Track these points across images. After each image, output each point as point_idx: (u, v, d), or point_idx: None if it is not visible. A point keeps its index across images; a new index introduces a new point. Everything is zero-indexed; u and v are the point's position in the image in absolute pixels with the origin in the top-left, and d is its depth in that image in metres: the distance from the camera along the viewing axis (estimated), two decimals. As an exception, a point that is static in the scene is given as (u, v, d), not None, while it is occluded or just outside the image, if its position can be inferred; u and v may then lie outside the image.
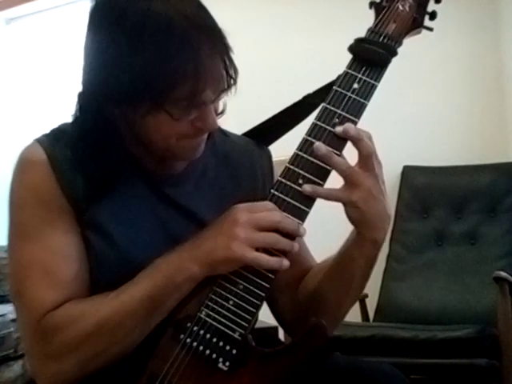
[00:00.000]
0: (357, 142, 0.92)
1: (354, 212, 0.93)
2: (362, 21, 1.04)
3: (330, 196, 0.93)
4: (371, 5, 1.03)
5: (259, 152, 1.14)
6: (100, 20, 0.93)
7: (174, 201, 1.02)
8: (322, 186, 0.94)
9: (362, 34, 1.01)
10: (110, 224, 0.97)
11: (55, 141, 0.99)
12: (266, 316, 1.14)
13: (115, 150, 0.97)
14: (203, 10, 0.93)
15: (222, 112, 0.99)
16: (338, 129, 0.94)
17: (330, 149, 0.94)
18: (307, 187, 0.93)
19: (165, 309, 0.93)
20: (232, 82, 0.93)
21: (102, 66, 0.91)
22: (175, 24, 0.86)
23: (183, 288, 0.92)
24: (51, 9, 3.76)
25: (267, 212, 0.92)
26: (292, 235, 0.93)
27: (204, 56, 0.88)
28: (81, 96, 0.97)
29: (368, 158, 0.92)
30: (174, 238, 0.98)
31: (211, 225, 0.95)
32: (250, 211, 0.93)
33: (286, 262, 0.92)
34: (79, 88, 0.97)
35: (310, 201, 0.94)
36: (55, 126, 1.03)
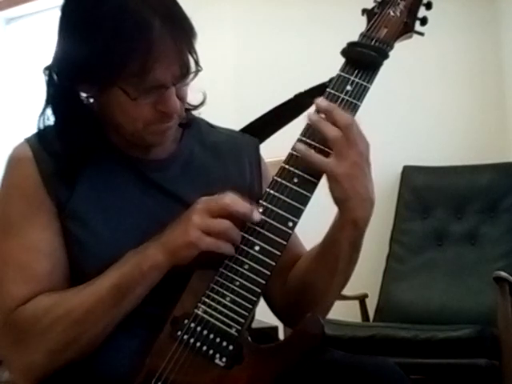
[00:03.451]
0: (330, 114, 0.94)
1: (336, 187, 0.94)
2: (356, 24, 1.06)
3: (317, 161, 0.94)
4: (363, 12, 1.06)
5: (246, 140, 1.16)
6: (65, 2, 0.98)
7: (160, 186, 1.03)
8: (316, 184, 0.96)
9: (356, 37, 1.03)
10: (92, 213, 0.99)
11: (42, 138, 1.02)
12: (266, 316, 1.14)
13: (85, 130, 1.00)
14: None
15: (202, 103, 1.02)
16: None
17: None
18: (300, 145, 0.95)
19: (133, 297, 0.94)
20: (194, 68, 0.96)
21: (63, 44, 0.97)
22: (129, 5, 0.91)
23: (149, 276, 0.94)
24: (51, 9, 3.76)
25: (220, 198, 0.95)
26: (244, 218, 0.94)
27: (155, 36, 0.90)
28: (46, 71, 1.01)
29: (347, 128, 0.93)
30: (162, 223, 0.98)
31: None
32: (209, 200, 0.95)
33: (230, 249, 0.93)
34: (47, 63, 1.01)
35: (305, 199, 0.95)
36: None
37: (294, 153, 0.96)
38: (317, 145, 0.96)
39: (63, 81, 0.98)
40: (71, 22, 0.97)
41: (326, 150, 0.95)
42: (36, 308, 0.95)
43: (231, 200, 0.94)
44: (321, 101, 0.96)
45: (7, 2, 3.82)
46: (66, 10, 0.98)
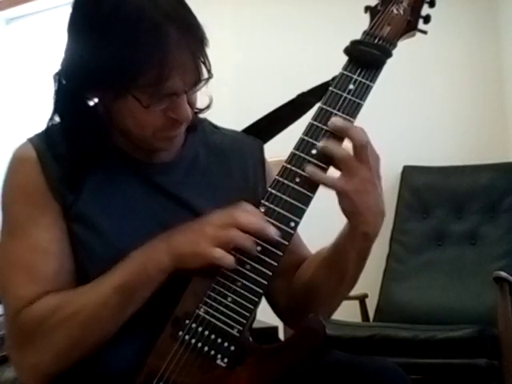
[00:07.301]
0: (347, 132, 0.93)
1: (346, 202, 0.94)
2: (359, 22, 1.05)
3: (327, 181, 0.94)
4: (366, 9, 1.05)
5: (250, 142, 1.15)
6: (78, 6, 0.97)
7: (164, 189, 1.03)
8: (318, 185, 0.95)
9: (359, 35, 1.02)
10: (97, 216, 0.99)
11: (46, 138, 1.02)
12: (266, 316, 1.14)
13: (93, 136, 1.00)
14: (179, 3, 0.95)
15: (208, 106, 1.03)
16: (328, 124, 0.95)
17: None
18: (310, 168, 0.94)
19: (138, 298, 0.94)
20: (206, 75, 0.96)
21: (75, 50, 0.96)
22: (145, 13, 0.90)
23: (154, 278, 0.94)
24: (51, 9, 3.76)
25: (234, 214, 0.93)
26: (258, 235, 0.93)
27: (171, 45, 0.90)
28: (56, 77, 1.00)
29: (361, 148, 0.92)
30: (166, 226, 0.98)
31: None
32: (222, 214, 0.94)
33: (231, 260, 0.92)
34: (56, 69, 1.00)
35: (307, 199, 0.95)
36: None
37: (296, 152, 0.96)
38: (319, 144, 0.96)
39: (74, 87, 0.97)
40: (85, 28, 0.94)
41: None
42: (42, 309, 0.95)
43: (245, 219, 0.93)
44: (336, 120, 0.95)
45: (7, 1, 3.82)
46: (79, 15, 0.97)
